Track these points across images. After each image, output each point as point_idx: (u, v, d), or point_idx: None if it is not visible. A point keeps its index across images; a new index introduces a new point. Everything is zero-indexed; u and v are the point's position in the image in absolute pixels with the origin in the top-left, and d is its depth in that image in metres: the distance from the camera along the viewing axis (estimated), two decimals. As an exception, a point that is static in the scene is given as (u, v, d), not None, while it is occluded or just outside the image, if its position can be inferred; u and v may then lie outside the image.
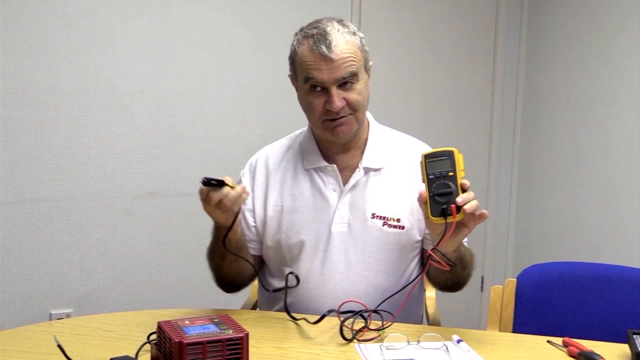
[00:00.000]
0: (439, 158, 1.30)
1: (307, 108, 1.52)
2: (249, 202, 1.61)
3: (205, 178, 1.34)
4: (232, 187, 1.36)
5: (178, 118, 2.75)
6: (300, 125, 1.68)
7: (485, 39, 3.40)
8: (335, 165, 1.57)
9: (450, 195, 1.27)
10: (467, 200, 1.27)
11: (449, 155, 1.29)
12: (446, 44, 3.32)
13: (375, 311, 1.38)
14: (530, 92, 3.40)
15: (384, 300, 1.45)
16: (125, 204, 2.69)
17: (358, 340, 1.30)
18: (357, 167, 1.57)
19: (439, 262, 1.31)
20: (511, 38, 3.42)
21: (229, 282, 1.60)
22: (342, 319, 1.35)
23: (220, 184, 1.35)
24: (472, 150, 3.40)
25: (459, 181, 1.28)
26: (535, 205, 3.36)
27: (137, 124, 2.68)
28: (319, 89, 1.47)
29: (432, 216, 1.28)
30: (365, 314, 1.37)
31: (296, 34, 1.53)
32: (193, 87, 2.77)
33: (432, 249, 1.33)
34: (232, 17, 2.82)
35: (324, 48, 1.44)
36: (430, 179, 1.29)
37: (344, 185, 1.57)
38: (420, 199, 1.30)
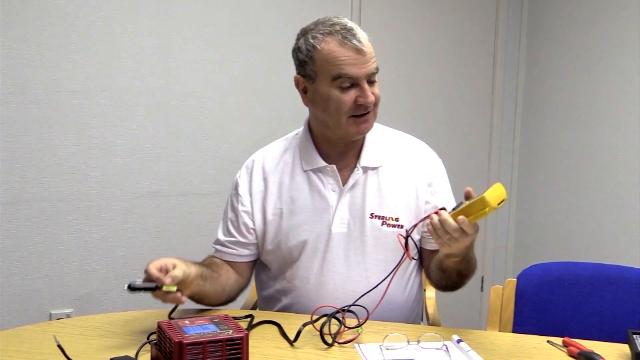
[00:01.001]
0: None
1: (334, 106, 1.46)
2: (247, 204, 1.60)
3: (130, 285, 1.27)
4: (167, 292, 1.29)
5: (178, 118, 2.75)
6: (300, 125, 1.68)
7: (485, 41, 3.40)
8: (334, 166, 1.56)
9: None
10: (441, 221, 1.30)
11: (479, 199, 1.32)
12: (446, 45, 3.31)
13: (349, 310, 1.37)
14: (530, 93, 3.40)
15: (357, 300, 1.41)
16: (125, 204, 2.69)
17: (338, 343, 1.29)
18: (355, 166, 1.56)
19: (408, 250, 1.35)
20: (511, 39, 3.42)
21: (219, 303, 1.56)
22: (319, 319, 1.34)
23: (148, 289, 1.28)
24: (472, 150, 3.40)
25: (460, 207, 1.32)
26: (535, 205, 3.36)
27: (137, 124, 2.68)
28: (347, 85, 1.45)
29: None
30: (340, 315, 1.35)
31: (305, 34, 1.49)
32: (193, 87, 2.77)
33: (403, 232, 1.37)
34: (232, 17, 2.82)
35: (356, 42, 1.42)
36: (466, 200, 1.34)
37: (343, 185, 1.56)
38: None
